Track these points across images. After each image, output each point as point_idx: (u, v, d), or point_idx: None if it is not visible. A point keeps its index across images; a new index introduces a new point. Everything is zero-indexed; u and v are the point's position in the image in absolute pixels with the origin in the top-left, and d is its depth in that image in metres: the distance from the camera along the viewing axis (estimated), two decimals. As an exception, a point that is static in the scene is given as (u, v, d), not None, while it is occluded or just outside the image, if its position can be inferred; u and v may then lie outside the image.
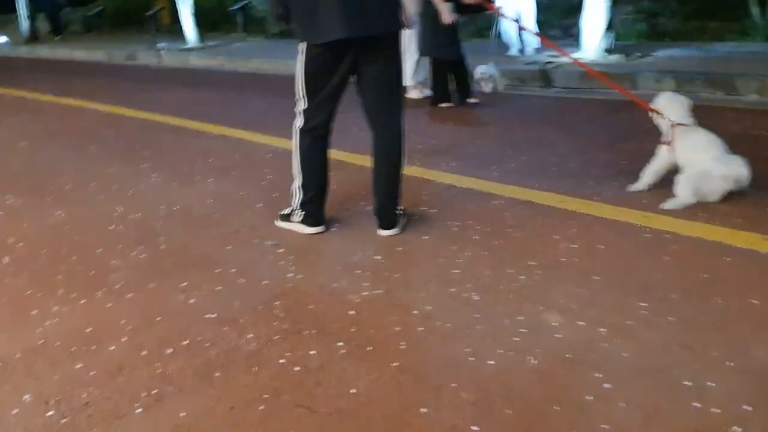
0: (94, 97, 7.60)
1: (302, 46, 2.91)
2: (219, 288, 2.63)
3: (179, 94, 7.81)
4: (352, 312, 2.38)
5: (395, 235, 3.03)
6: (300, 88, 2.98)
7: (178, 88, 8.34)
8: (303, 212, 3.12)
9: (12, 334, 2.38)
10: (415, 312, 2.35)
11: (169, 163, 4.53)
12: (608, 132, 4.71)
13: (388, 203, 3.05)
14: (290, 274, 2.72)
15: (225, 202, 3.66)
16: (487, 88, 6.45)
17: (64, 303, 2.58)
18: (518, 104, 6.11)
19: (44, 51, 15.07)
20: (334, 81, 2.92)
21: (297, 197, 3.12)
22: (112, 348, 2.24)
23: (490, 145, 4.57)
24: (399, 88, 3.02)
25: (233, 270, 2.79)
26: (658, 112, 3.36)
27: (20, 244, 3.23)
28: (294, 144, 3.08)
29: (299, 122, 3.04)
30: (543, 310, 2.29)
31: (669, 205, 3.12)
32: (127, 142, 5.27)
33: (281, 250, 2.96)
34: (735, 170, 3.06)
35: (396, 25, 2.90)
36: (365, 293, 2.51)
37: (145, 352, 2.20)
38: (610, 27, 7.58)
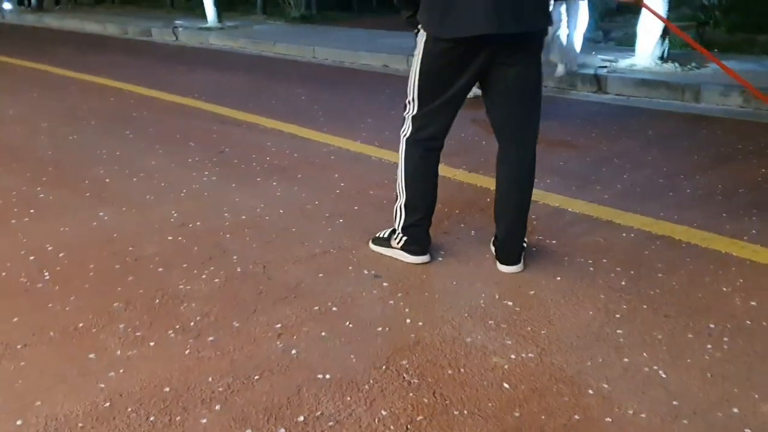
0: (115, 74, 7.01)
1: (424, 38, 2.37)
2: (323, 334, 2.11)
3: (208, 76, 7.23)
4: (507, 385, 1.86)
5: (520, 272, 2.52)
6: (412, 89, 2.45)
7: (204, 69, 7.75)
8: (405, 237, 2.60)
9: (69, 385, 1.85)
10: (590, 392, 1.83)
11: (222, 159, 3.98)
12: (703, 150, 4.17)
13: (515, 234, 2.52)
14: (407, 320, 2.20)
15: (299, 214, 3.11)
16: None
17: (129, 345, 2.05)
18: (580, 111, 5.54)
19: (53, 21, 14.38)
20: (459, 84, 2.37)
21: (399, 219, 2.60)
22: (204, 420, 1.71)
23: (578, 158, 4.05)
24: (538, 98, 2.45)
25: (334, 308, 2.26)
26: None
27: (61, 254, 2.69)
28: (400, 156, 2.55)
29: (407, 131, 2.51)
30: (759, 401, 1.79)
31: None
32: (165, 129, 4.70)
33: (385, 284, 2.44)
34: None
35: (548, 19, 2.37)
36: (513, 356, 1.99)
37: (249, 431, 1.67)
38: (665, 33, 7.06)
